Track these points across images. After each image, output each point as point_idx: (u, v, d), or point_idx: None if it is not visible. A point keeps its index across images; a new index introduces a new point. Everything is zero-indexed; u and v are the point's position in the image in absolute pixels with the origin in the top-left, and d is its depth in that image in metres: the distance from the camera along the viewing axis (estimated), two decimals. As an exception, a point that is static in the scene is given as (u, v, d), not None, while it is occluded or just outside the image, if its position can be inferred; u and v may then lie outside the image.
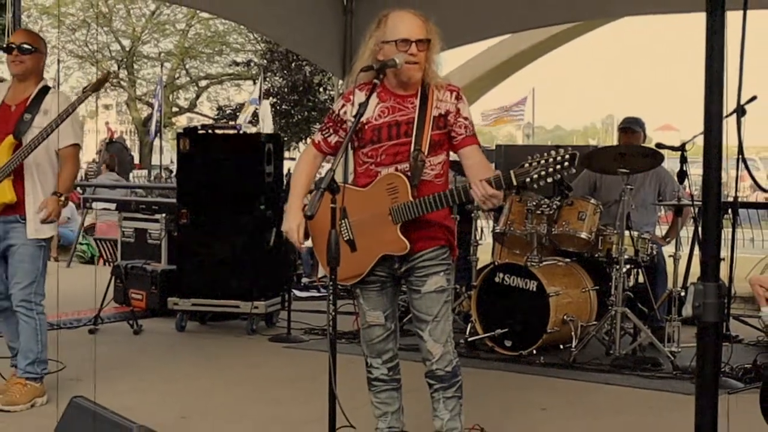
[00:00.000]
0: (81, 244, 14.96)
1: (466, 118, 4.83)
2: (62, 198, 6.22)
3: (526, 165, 4.40)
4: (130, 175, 28.40)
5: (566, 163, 4.31)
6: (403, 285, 4.97)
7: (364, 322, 4.98)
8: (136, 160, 37.30)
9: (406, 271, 4.85)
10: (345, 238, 4.82)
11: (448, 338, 4.87)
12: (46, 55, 6.68)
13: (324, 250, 4.54)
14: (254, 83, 35.01)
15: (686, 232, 8.33)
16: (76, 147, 6.39)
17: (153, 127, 34.56)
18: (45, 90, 6.35)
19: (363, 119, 4.77)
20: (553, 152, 4.35)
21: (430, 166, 4.80)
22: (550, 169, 4.33)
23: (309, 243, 14.84)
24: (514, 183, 4.45)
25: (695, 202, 7.97)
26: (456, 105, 4.82)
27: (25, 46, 6.32)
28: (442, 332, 4.85)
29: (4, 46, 6.38)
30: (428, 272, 4.82)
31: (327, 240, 4.38)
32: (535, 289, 7.63)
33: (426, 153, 4.76)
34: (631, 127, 8.78)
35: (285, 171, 9.76)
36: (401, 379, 5.09)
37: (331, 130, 4.98)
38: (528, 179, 4.37)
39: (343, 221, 4.81)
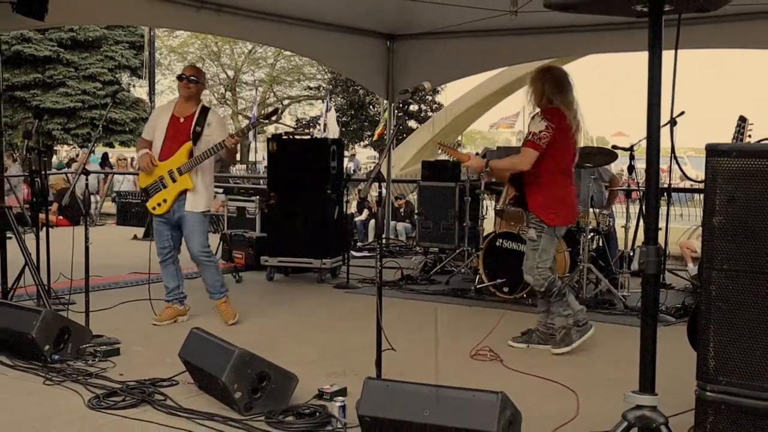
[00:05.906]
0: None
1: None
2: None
3: None
4: (232, 168, 28.42)
5: None
6: None
7: None
8: (237, 158, 37.38)
9: None
10: None
11: (536, 272, 5.62)
12: (205, 85, 6.92)
13: None
14: (322, 102, 35.03)
15: (634, 209, 8.26)
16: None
17: (250, 134, 34.62)
18: (205, 109, 6.59)
19: None
20: None
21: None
22: None
23: (363, 216, 14.63)
24: None
25: (640, 188, 7.93)
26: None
27: (192, 78, 6.58)
28: (529, 268, 5.67)
29: (178, 75, 6.59)
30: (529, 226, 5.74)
31: (375, 214, 4.43)
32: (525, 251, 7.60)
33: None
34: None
35: (345, 165, 9.72)
36: None
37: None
38: None
39: None
